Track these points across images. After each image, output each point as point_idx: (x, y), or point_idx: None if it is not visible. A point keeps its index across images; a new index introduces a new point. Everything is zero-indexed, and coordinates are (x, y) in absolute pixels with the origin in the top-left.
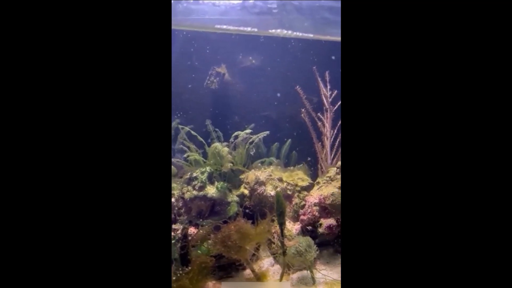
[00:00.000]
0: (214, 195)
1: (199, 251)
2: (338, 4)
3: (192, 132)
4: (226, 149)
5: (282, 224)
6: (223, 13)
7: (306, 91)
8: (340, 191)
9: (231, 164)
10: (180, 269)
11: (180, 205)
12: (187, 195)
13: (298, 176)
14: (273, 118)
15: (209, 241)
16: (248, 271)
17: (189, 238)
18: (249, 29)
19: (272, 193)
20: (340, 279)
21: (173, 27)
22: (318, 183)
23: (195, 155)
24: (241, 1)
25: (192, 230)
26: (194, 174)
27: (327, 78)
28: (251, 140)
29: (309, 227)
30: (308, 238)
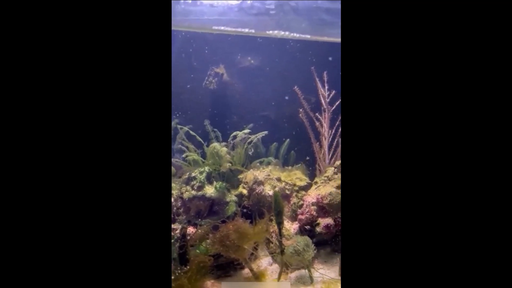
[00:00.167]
0: (213, 195)
1: (197, 251)
2: (335, 5)
3: (191, 132)
4: (224, 149)
5: (280, 224)
6: (221, 14)
7: (304, 91)
8: (337, 190)
9: (230, 164)
10: (178, 268)
11: (179, 205)
12: (185, 195)
13: (296, 175)
14: (272, 118)
15: (208, 241)
16: (246, 270)
17: (188, 237)
18: (246, 30)
19: (271, 192)
20: (337, 278)
21: (172, 27)
22: (316, 182)
23: (193, 155)
24: (238, 2)
25: (190, 229)
26: (193, 174)
27: (325, 79)
28: (249, 140)
29: (307, 227)
30: (306, 238)
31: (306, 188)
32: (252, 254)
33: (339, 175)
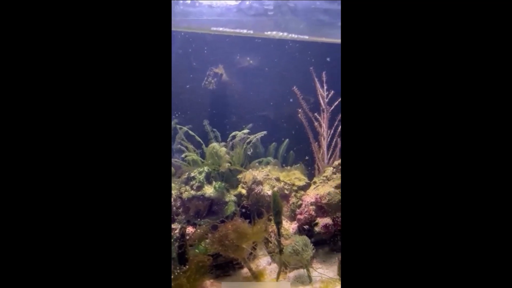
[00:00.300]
0: (212, 194)
1: (196, 250)
2: (333, 6)
3: (190, 132)
4: (224, 149)
5: (279, 223)
6: (219, 15)
7: (303, 92)
8: (336, 190)
9: (229, 164)
10: (178, 268)
11: (178, 204)
12: (185, 195)
13: (295, 175)
14: (271, 118)
15: (207, 240)
16: (245, 270)
17: (187, 237)
18: (245, 31)
19: (269, 192)
20: (336, 277)
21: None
22: (315, 182)
23: (193, 155)
24: (237, 3)
25: (190, 229)
26: (192, 174)
27: (324, 79)
28: (248, 140)
29: (306, 226)
30: (305, 237)
31: (305, 188)
32: (251, 253)
33: (338, 175)
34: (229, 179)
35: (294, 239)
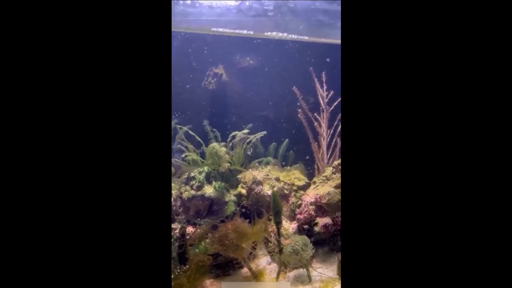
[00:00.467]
0: (212, 194)
1: (196, 250)
2: (333, 6)
3: (190, 132)
4: (223, 149)
5: (278, 223)
6: (219, 15)
7: (303, 92)
8: (336, 190)
9: (229, 164)
10: (178, 267)
11: (178, 204)
12: (185, 195)
13: (295, 175)
14: (271, 118)
15: (207, 240)
16: (245, 270)
17: (187, 237)
18: (245, 31)
19: (269, 192)
20: (335, 277)
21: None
22: (315, 182)
23: (193, 155)
24: (237, 4)
25: (190, 229)
26: (192, 174)
27: (324, 79)
28: (248, 140)
29: (306, 226)
30: (304, 237)
31: (304, 187)
32: (250, 253)
33: (338, 175)
34: (229, 179)
35: (293, 239)
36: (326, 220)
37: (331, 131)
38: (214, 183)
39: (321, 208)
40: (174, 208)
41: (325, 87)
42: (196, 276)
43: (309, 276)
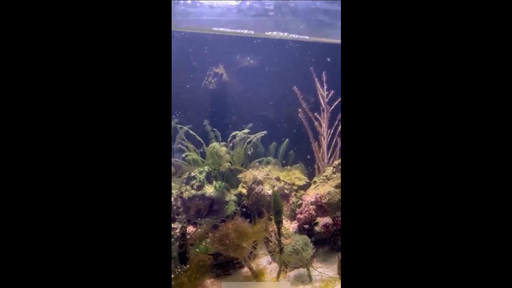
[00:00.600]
0: (212, 194)
1: (197, 250)
2: (334, 6)
3: (191, 131)
4: (224, 148)
5: (279, 223)
6: (220, 15)
7: (303, 91)
8: (336, 190)
9: (229, 164)
10: (178, 267)
11: (179, 204)
12: (185, 194)
13: (295, 175)
14: (271, 118)
15: (207, 240)
16: (246, 269)
17: (188, 236)
18: (245, 31)
19: (270, 192)
20: (336, 276)
21: (171, 28)
22: (315, 182)
23: (193, 155)
24: (238, 3)
25: (190, 228)
26: (193, 174)
27: (324, 79)
28: (249, 139)
29: (306, 226)
30: (305, 237)
31: (305, 187)
32: (251, 253)
33: (338, 174)
34: (230, 178)
35: (294, 239)
36: (327, 219)
37: (332, 131)
38: (214, 182)
39: (321, 207)
40: (175, 207)
41: (325, 87)
42: (196, 275)
43: (309, 276)
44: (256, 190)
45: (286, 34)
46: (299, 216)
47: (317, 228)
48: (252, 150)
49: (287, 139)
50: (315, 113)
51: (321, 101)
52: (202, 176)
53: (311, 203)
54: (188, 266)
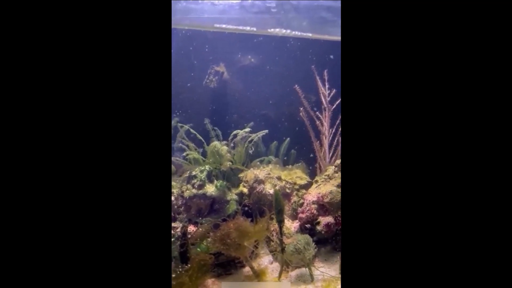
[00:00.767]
0: (213, 193)
1: (198, 249)
2: (336, 3)
3: (192, 130)
4: (225, 147)
5: (280, 222)
6: (221, 12)
7: (305, 90)
8: (338, 189)
9: (230, 163)
10: (179, 266)
11: (180, 203)
12: (186, 194)
13: (297, 174)
14: (272, 117)
15: (208, 239)
16: (247, 269)
17: (189, 236)
18: (248, 28)
19: (271, 191)
20: (337, 276)
21: (172, 26)
22: (317, 181)
23: (194, 154)
24: (239, 0)
25: (191, 228)
26: (194, 173)
27: (326, 77)
28: (250, 138)
29: (308, 225)
30: (307, 236)
31: (306, 186)
32: (252, 252)
33: (340, 173)
34: (231, 177)
35: (296, 238)
36: (328, 219)
37: (333, 130)
38: (215, 181)
39: (323, 207)
40: (176, 207)
41: (327, 86)
42: (198, 275)
43: (311, 275)
44: (258, 189)
45: (288, 31)
46: (300, 215)
47: (319, 228)
48: (253, 149)
49: (288, 138)
50: (317, 112)
51: (323, 99)
52: (203, 175)
53: (313, 202)
54: (189, 265)
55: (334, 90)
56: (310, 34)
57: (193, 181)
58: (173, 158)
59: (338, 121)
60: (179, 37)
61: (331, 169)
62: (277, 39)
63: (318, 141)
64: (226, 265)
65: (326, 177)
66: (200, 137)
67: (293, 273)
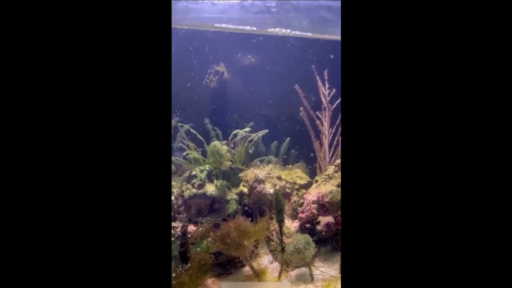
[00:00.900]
0: (213, 193)
1: (198, 249)
2: (336, 3)
3: (192, 130)
4: (225, 147)
5: (280, 222)
6: (221, 12)
7: (305, 90)
8: (338, 189)
9: (230, 163)
10: (179, 266)
11: (180, 203)
12: (186, 193)
13: (297, 174)
14: (272, 117)
15: (209, 239)
16: (247, 268)
17: (189, 235)
18: (248, 28)
19: (271, 191)
20: (338, 275)
21: (172, 25)
22: (317, 181)
23: (194, 153)
24: (239, 0)
25: (191, 227)
26: (194, 172)
27: (326, 77)
28: (250, 138)
29: (308, 225)
30: (307, 236)
31: (306, 186)
32: (252, 252)
33: (340, 173)
34: (231, 177)
35: (296, 238)
36: (329, 219)
37: (333, 130)
38: (215, 181)
39: (323, 206)
40: (176, 206)
41: (327, 85)
42: (198, 274)
43: (311, 275)
44: (258, 189)
45: (288, 31)
46: (300, 215)
47: (319, 227)
48: (253, 148)
49: (288, 138)
50: (317, 112)
51: (323, 99)
52: (203, 175)
53: (313, 202)
54: (189, 265)
55: (334, 90)
56: (310, 34)
57: (193, 181)
58: (173, 158)
59: (338, 121)
60: (179, 37)
61: (331, 169)
62: (277, 39)
63: (318, 141)
64: (226, 265)
65: (326, 176)
66: (200, 137)
67: (293, 273)
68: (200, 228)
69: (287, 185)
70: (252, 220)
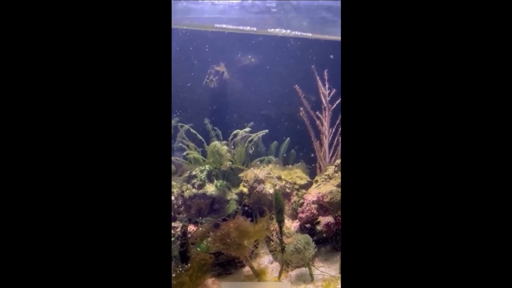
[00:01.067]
0: (213, 193)
1: (198, 249)
2: (336, 3)
3: (192, 130)
4: (225, 147)
5: (280, 222)
6: (221, 12)
7: (305, 90)
8: (338, 189)
9: (230, 163)
10: (179, 266)
11: (180, 203)
12: (186, 193)
13: (297, 174)
14: (272, 117)
15: (209, 239)
16: (247, 268)
17: (189, 235)
18: (248, 28)
19: (271, 191)
20: (337, 275)
21: (172, 25)
22: (317, 181)
23: (194, 154)
24: (240, 0)
25: (191, 227)
26: (194, 172)
27: (326, 77)
28: (250, 138)
29: (308, 225)
30: (307, 236)
31: (306, 186)
32: (252, 252)
33: (340, 173)
34: (231, 177)
35: (296, 238)
36: (328, 219)
37: (333, 130)
38: (215, 181)
39: (323, 206)
40: (176, 206)
41: (327, 85)
42: (198, 274)
43: (311, 275)
44: (258, 189)
45: (288, 31)
46: (300, 215)
47: (319, 227)
48: (253, 149)
49: (288, 138)
50: (317, 112)
51: (323, 99)
52: (203, 175)
53: (313, 202)
54: (189, 265)
55: (334, 90)
56: (310, 34)
57: (193, 181)
58: (173, 158)
59: (338, 121)
60: (179, 37)
61: (331, 169)
62: (277, 39)
63: (318, 141)
64: (226, 265)
65: (326, 177)
66: (200, 137)
67: (293, 273)
68: (200, 228)
69: (287, 185)
70: (252, 220)
